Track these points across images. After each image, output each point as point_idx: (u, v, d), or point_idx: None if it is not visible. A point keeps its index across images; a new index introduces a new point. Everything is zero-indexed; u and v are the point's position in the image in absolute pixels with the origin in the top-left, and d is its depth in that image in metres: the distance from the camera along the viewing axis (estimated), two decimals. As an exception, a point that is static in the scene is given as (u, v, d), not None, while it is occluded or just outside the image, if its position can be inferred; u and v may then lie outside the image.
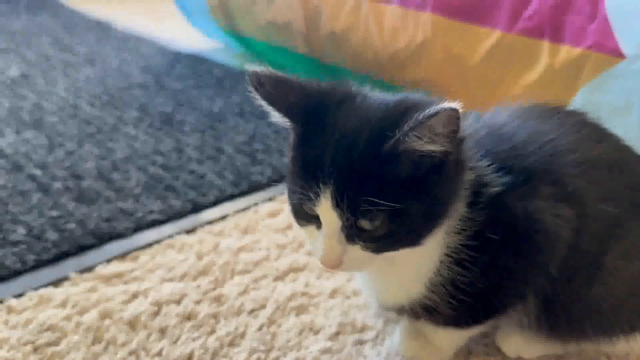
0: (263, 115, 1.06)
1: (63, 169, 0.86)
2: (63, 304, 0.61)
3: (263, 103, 0.46)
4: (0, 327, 0.58)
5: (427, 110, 0.41)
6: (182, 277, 0.67)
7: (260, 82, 0.45)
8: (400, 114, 0.44)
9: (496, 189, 0.48)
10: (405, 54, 1.01)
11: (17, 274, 0.65)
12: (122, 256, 0.69)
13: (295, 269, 0.70)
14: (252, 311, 0.63)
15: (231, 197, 0.83)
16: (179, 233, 0.75)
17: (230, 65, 1.41)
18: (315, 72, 1.27)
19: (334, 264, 0.46)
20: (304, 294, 0.66)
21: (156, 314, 0.62)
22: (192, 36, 1.60)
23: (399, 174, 0.43)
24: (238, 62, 1.44)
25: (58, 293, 0.63)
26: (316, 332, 0.61)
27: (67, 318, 0.59)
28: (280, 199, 0.84)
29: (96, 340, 0.58)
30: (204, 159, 0.92)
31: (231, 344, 0.59)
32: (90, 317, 0.60)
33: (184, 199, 0.81)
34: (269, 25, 1.27)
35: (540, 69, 0.84)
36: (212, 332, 0.60)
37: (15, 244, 0.68)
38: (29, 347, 0.55)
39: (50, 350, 0.56)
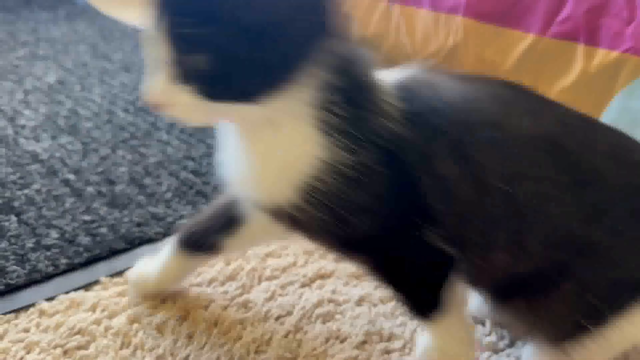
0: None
1: (96, 174, 0.88)
2: (93, 308, 0.62)
3: None
4: (32, 330, 0.59)
5: None
6: (210, 283, 0.68)
7: None
8: None
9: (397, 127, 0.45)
10: (436, 58, 1.00)
11: (49, 277, 0.66)
12: (152, 261, 0.70)
13: (322, 276, 0.69)
14: (278, 318, 0.63)
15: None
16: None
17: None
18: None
19: (155, 100, 0.44)
20: (330, 301, 0.66)
21: (184, 319, 0.62)
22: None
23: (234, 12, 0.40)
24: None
25: (89, 297, 0.64)
26: (342, 341, 0.61)
27: (97, 322, 0.60)
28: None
29: (124, 345, 0.59)
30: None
31: (257, 350, 0.59)
32: (119, 321, 0.61)
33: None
34: None
35: (575, 74, 0.82)
36: (239, 338, 0.60)
37: (48, 247, 0.70)
38: (58, 351, 0.56)
39: (79, 353, 0.57)
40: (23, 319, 0.60)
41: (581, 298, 0.49)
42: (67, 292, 0.64)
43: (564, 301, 0.50)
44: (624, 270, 0.49)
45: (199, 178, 0.89)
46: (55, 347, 0.57)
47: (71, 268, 0.68)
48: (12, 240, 0.70)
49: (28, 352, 0.56)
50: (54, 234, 0.72)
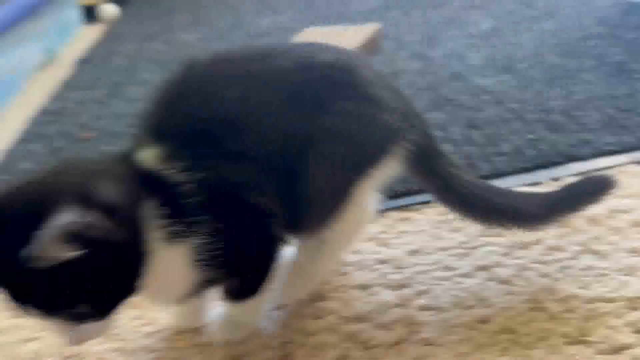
0: None
1: (534, 105, 1.11)
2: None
3: None
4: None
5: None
6: (631, 196, 0.84)
7: None
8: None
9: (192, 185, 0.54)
10: None
11: (503, 175, 0.93)
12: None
13: None
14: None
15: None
16: (630, 163, 0.90)
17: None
18: None
19: (80, 343, 0.52)
20: None
21: (608, 217, 0.81)
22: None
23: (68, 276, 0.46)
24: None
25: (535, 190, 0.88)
26: None
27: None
28: None
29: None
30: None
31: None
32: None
33: (635, 135, 0.95)
34: None
35: None
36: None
37: (503, 154, 0.97)
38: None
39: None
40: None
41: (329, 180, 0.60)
42: (520, 186, 0.90)
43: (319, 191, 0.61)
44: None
45: (621, 114, 1.03)
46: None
47: (518, 171, 0.93)
48: (479, 148, 0.99)
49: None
50: (507, 145, 0.99)
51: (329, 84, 0.61)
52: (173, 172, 0.54)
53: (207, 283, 0.60)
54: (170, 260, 0.54)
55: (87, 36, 2.24)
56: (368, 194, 0.68)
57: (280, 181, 0.59)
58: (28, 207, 0.47)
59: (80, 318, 0.51)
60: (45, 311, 0.49)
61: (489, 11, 1.71)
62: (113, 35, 2.17)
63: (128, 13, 2.49)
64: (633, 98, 1.08)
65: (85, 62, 1.89)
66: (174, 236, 0.53)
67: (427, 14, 1.78)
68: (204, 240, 0.54)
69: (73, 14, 2.34)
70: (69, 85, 1.70)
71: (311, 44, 0.72)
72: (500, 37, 1.49)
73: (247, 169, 0.57)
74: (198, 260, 0.55)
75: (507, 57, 1.36)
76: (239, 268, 0.61)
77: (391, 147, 0.65)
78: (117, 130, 1.33)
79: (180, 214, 0.53)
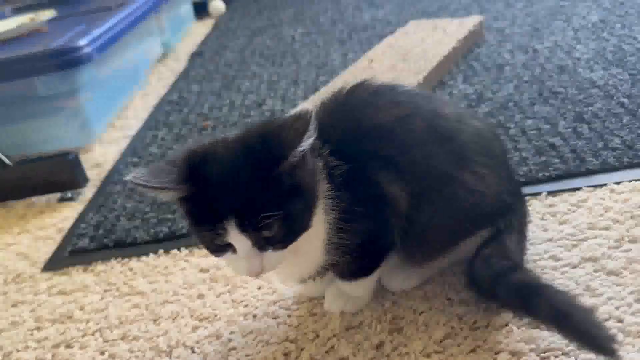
0: None
1: (646, 99, 1.09)
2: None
3: (154, 193, 0.61)
4: (606, 199, 0.87)
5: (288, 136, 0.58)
6: None
7: (141, 184, 0.59)
8: (263, 144, 0.59)
9: (342, 170, 0.65)
10: None
11: (613, 170, 0.93)
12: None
13: None
14: None
15: None
16: None
17: None
18: None
19: (258, 272, 0.62)
20: None
21: None
22: None
23: (279, 187, 0.59)
24: None
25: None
26: None
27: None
28: None
29: None
30: None
31: None
32: None
33: None
34: None
35: None
36: None
37: (613, 149, 0.96)
38: (627, 216, 0.82)
39: (641, 220, 0.82)
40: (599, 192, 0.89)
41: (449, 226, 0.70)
42: (630, 181, 0.90)
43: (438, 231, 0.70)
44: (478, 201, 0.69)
45: None
46: (623, 213, 0.83)
47: (631, 165, 0.92)
48: (587, 142, 1.00)
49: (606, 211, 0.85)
50: (617, 140, 0.98)
51: (476, 146, 0.71)
52: (332, 159, 0.66)
53: (330, 264, 0.69)
54: (317, 226, 0.65)
55: (199, 31, 2.39)
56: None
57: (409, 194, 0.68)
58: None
59: (269, 242, 0.61)
60: (248, 226, 0.59)
61: (597, 2, 1.66)
62: (222, 30, 2.30)
63: (234, 9, 2.63)
64: None
65: (198, 56, 2.03)
66: (326, 201, 0.65)
67: (531, 6, 1.76)
68: (341, 216, 0.65)
69: (187, 10, 2.50)
70: (186, 78, 1.84)
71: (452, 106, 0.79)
72: (609, 29, 1.45)
73: (388, 168, 0.68)
74: (332, 234, 0.66)
75: (617, 49, 1.33)
76: (360, 248, 0.68)
77: (499, 220, 0.73)
78: (232, 120, 1.44)
79: (331, 189, 0.65)
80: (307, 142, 0.58)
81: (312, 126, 0.58)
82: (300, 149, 0.58)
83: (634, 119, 1.03)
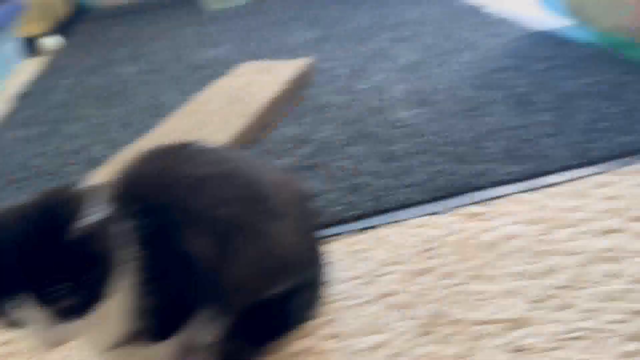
0: (610, 97, 1.21)
1: (445, 137, 1.20)
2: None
3: None
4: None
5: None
6: (519, 222, 0.93)
7: None
8: (53, 214, 0.57)
9: (150, 231, 0.63)
10: None
11: (411, 205, 1.01)
12: (479, 203, 0.99)
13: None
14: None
15: (566, 168, 1.04)
16: (522, 191, 1.00)
17: (586, 44, 1.56)
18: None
19: (57, 344, 0.59)
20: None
21: (497, 244, 0.89)
22: (548, 15, 1.78)
23: (70, 257, 0.57)
24: (594, 40, 1.57)
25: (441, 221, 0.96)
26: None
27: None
28: (611, 173, 1.01)
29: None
30: (542, 136, 1.14)
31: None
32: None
33: (529, 165, 1.05)
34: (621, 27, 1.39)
35: None
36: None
37: (412, 186, 1.05)
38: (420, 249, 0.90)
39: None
40: (397, 228, 0.96)
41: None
42: (422, 216, 0.98)
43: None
44: None
45: (521, 144, 1.13)
46: (416, 247, 0.91)
47: (426, 201, 1.01)
48: (392, 179, 1.08)
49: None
50: (417, 177, 1.07)
51: (280, 201, 0.73)
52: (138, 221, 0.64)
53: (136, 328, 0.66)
54: (120, 291, 0.62)
55: (28, 69, 2.25)
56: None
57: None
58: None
59: (64, 313, 0.58)
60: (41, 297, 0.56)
61: (414, 44, 1.81)
62: (53, 69, 2.19)
63: (71, 44, 2.51)
64: (529, 129, 1.18)
65: (24, 97, 1.91)
66: (126, 268, 0.62)
67: (359, 47, 1.88)
68: (146, 278, 0.64)
69: (13, 47, 2.35)
70: (8, 122, 1.71)
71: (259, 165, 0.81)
72: (421, 70, 1.59)
73: (195, 226, 0.68)
74: (137, 298, 0.64)
75: (425, 90, 1.45)
76: (165, 310, 0.67)
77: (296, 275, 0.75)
78: (52, 169, 1.36)
79: (137, 251, 0.63)
80: (100, 210, 0.57)
81: (106, 194, 0.58)
82: (90, 218, 0.57)
83: (434, 156, 1.13)
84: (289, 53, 1.91)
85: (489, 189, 1.02)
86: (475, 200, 0.99)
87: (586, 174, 1.02)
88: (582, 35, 1.63)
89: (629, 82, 1.32)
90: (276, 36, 2.17)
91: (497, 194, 1.00)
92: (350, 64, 1.73)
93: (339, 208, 1.01)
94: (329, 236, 0.94)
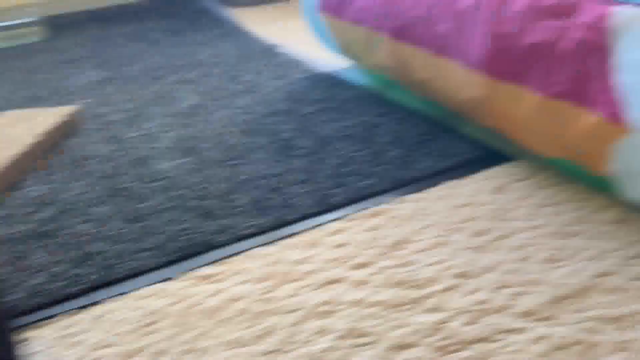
0: (362, 140, 1.25)
1: (199, 189, 1.16)
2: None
3: None
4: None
5: None
6: (246, 282, 0.91)
7: None
8: None
9: None
10: (469, 105, 1.15)
11: (143, 273, 0.95)
12: (216, 262, 0.96)
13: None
14: (290, 312, 0.85)
15: (310, 215, 1.05)
16: (261, 245, 0.99)
17: (359, 85, 1.63)
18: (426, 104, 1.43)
19: None
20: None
21: (219, 309, 0.86)
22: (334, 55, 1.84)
23: None
24: (367, 81, 1.65)
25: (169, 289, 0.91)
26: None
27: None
28: (346, 219, 1.03)
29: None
30: (292, 184, 1.15)
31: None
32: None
33: (274, 216, 1.05)
34: (380, 66, 1.48)
35: (577, 127, 0.91)
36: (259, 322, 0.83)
37: (148, 250, 0.99)
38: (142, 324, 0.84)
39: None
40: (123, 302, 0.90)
41: None
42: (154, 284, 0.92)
43: None
44: None
45: (271, 193, 1.12)
46: (138, 322, 0.85)
47: (160, 266, 0.96)
48: (131, 244, 1.01)
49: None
50: (157, 238, 1.02)
51: None
52: None
53: None
54: None
55: None
56: None
57: None
58: None
59: None
60: None
61: (199, 87, 1.78)
62: None
63: None
64: (283, 177, 1.18)
65: None
66: None
67: (141, 90, 1.80)
68: None
69: None
70: None
71: None
72: (198, 116, 1.55)
73: None
74: None
75: (196, 137, 1.42)
76: None
77: None
78: None
79: None
80: None
81: None
82: None
83: (182, 212, 1.09)
84: (67, 97, 1.78)
85: (228, 246, 1.00)
86: (212, 260, 0.96)
87: (324, 221, 1.04)
88: (357, 76, 1.71)
89: (382, 123, 1.39)
90: (59, 78, 2.02)
91: (235, 251, 0.98)
92: (128, 109, 1.64)
93: (61, 284, 0.92)
94: (40, 320, 0.85)
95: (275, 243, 0.99)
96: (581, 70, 0.90)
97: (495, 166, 1.19)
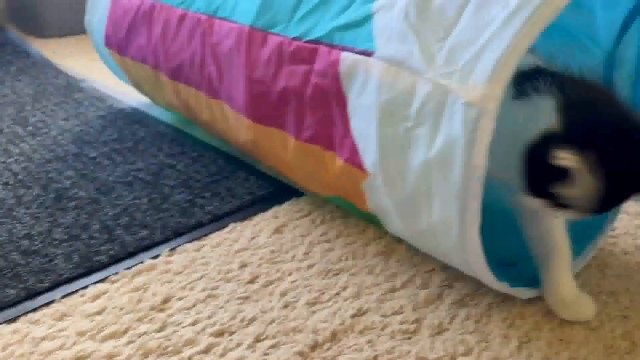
0: (151, 185, 1.19)
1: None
2: None
3: None
4: None
5: None
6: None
7: None
8: None
9: None
10: (247, 147, 1.15)
11: None
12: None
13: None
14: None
15: (70, 279, 0.96)
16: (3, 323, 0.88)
17: (161, 122, 1.56)
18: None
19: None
20: None
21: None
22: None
23: None
24: (171, 118, 1.59)
25: None
26: None
27: None
28: (108, 280, 0.96)
29: None
30: (55, 244, 1.05)
31: None
32: None
33: (23, 287, 0.94)
34: (170, 105, 1.43)
35: (332, 169, 0.93)
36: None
37: None
38: None
39: None
40: None
41: None
42: None
43: None
44: None
45: (25, 257, 1.01)
46: None
47: None
48: None
49: None
50: None
51: None
52: None
53: None
54: None
55: None
56: None
57: None
58: None
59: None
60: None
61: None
62: None
63: None
64: (48, 235, 1.07)
65: None
66: None
67: None
68: None
69: None
70: None
71: None
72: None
73: None
74: None
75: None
76: None
77: None
78: None
79: None
80: None
81: None
82: None
83: None
84: None
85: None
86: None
87: (83, 285, 0.95)
88: (160, 112, 1.63)
89: (174, 164, 1.33)
90: None
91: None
92: None
93: None
94: None
95: (18, 320, 0.88)
96: (325, 116, 0.91)
97: (284, 202, 1.18)
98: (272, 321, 0.87)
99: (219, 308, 0.90)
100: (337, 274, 0.96)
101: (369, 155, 0.85)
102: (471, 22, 0.73)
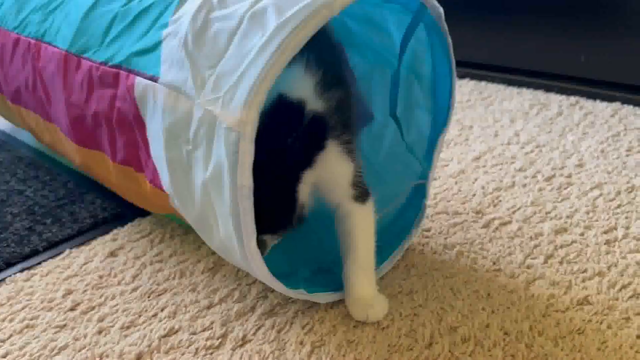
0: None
1: None
2: None
3: None
4: None
5: None
6: None
7: None
8: None
9: None
10: (82, 168, 1.19)
11: None
12: None
13: None
14: None
15: None
16: None
17: (25, 145, 1.54)
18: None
19: None
20: None
21: None
22: None
23: None
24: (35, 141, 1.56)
25: None
26: None
27: None
28: None
29: None
30: None
31: None
32: None
33: None
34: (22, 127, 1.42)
35: (146, 190, 0.95)
36: None
37: None
38: None
39: None
40: None
41: None
42: None
43: None
44: None
45: None
46: None
47: None
48: None
49: None
50: None
51: None
52: None
53: None
54: None
55: None
56: None
57: None
58: None
59: None
60: None
61: None
62: None
63: None
64: None
65: None
66: None
67: None
68: None
69: None
70: None
71: None
72: None
73: None
74: None
75: None
76: None
77: None
78: None
79: None
80: None
81: None
82: None
83: None
84: None
85: None
86: None
87: None
88: (26, 136, 1.60)
89: (24, 190, 1.31)
90: None
91: None
92: None
93: None
94: None
95: None
96: (130, 139, 0.92)
97: (127, 224, 1.18)
98: (83, 348, 0.87)
99: (34, 338, 0.90)
100: (160, 295, 0.98)
101: (164, 178, 0.87)
102: (236, 50, 0.76)
